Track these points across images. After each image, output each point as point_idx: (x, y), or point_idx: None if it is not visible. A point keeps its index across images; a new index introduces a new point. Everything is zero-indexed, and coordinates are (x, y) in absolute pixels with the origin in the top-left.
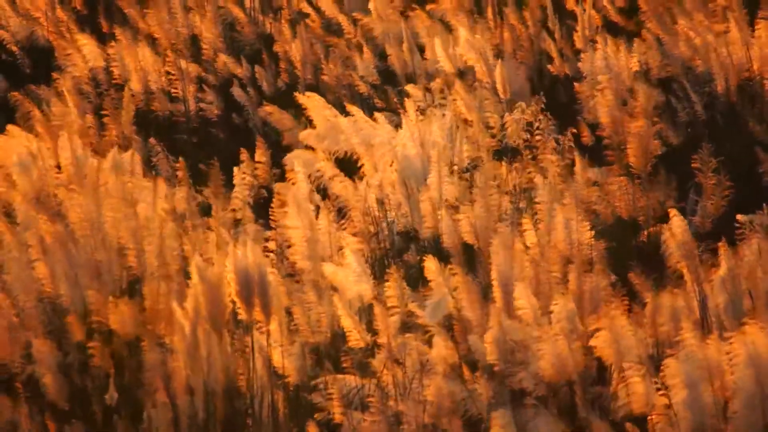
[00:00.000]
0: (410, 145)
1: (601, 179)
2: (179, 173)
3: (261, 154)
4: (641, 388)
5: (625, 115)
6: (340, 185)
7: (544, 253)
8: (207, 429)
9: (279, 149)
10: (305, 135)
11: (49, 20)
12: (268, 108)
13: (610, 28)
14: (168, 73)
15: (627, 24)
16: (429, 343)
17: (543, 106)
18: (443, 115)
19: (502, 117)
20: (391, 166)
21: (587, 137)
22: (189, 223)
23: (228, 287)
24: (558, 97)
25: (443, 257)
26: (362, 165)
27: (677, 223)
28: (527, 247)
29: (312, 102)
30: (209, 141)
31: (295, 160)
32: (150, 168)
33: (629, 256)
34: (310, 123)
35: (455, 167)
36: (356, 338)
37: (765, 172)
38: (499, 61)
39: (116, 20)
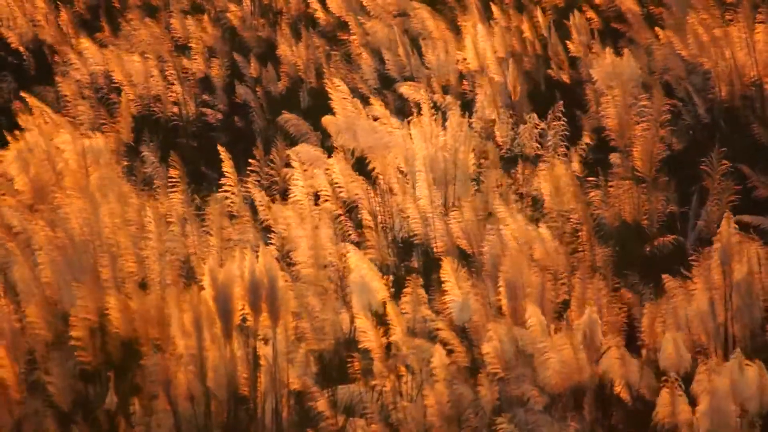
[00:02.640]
0: (420, 148)
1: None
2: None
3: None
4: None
5: (631, 119)
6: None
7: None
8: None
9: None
10: (327, 120)
11: (51, 24)
12: (287, 115)
13: (612, 32)
14: (168, 77)
15: (626, 28)
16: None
17: (560, 114)
18: (447, 119)
19: (509, 123)
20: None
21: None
22: (189, 227)
23: (237, 292)
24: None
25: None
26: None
27: (726, 226)
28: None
29: (337, 93)
30: (211, 145)
31: (299, 156)
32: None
33: (633, 262)
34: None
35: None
36: (369, 338)
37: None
38: (510, 65)
39: (118, 24)
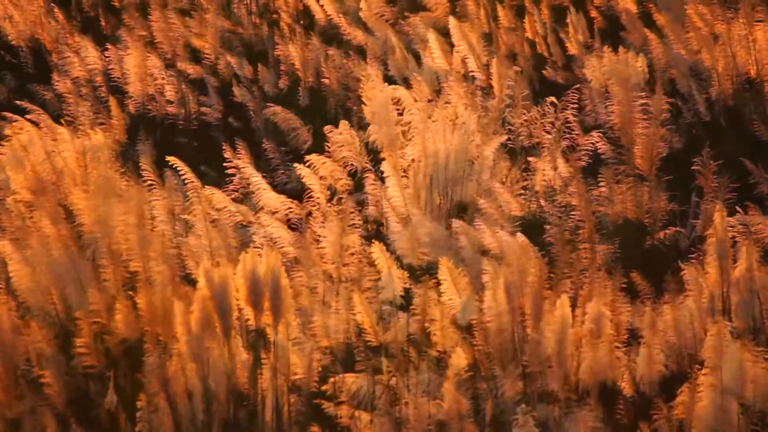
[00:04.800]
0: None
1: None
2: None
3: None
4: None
5: (634, 117)
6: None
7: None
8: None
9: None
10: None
11: (49, 22)
12: (274, 108)
13: (612, 31)
14: (166, 75)
15: (628, 25)
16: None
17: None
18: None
19: (503, 118)
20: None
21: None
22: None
23: (235, 291)
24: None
25: None
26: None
27: (719, 220)
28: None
29: (373, 80)
30: (209, 144)
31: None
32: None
33: (636, 258)
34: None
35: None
36: (372, 336)
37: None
38: (495, 62)
39: (116, 23)
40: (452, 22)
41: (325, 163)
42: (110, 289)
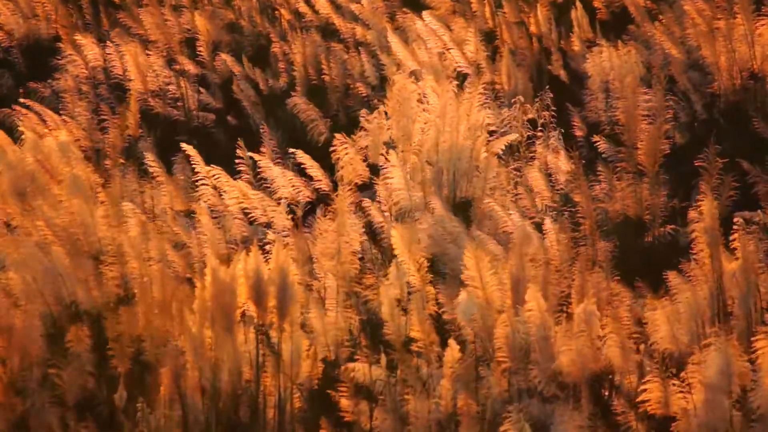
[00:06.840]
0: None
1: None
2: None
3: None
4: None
5: (637, 114)
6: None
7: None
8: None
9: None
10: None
11: (49, 19)
12: (296, 99)
13: (616, 25)
14: (167, 72)
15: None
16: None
17: (548, 103)
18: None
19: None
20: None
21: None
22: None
23: (240, 288)
24: (560, 96)
25: None
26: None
27: (707, 207)
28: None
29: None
30: (209, 141)
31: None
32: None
33: (634, 255)
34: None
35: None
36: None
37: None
38: (503, 57)
39: (117, 20)
40: (428, 18)
41: (347, 152)
42: (107, 288)
